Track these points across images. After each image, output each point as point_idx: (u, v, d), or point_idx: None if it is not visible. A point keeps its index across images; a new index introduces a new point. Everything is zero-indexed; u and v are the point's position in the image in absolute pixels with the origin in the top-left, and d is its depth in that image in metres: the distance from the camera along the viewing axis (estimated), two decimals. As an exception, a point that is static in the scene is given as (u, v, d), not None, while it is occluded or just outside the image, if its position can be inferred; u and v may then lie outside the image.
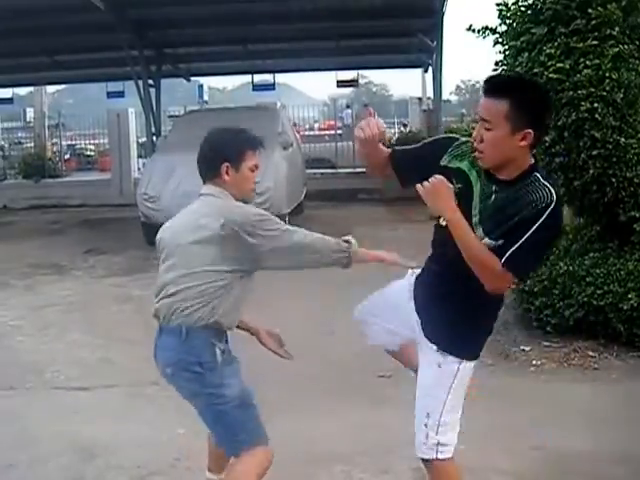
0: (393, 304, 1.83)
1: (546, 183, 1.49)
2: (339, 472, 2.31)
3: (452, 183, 1.54)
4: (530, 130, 1.44)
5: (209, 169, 1.81)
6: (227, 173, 1.78)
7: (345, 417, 2.72)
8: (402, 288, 1.82)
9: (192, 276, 1.69)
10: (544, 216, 1.46)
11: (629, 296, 3.17)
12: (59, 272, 5.75)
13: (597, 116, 3.09)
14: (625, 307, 3.18)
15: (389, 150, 1.73)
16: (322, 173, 10.30)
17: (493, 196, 1.52)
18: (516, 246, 1.47)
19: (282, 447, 2.42)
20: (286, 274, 6.35)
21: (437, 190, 1.50)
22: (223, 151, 1.80)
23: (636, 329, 3.23)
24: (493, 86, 1.48)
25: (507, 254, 1.48)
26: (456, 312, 1.63)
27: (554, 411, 2.73)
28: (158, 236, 1.82)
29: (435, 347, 1.66)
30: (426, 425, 1.66)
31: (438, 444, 1.66)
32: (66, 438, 2.60)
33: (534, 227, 1.46)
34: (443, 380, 1.65)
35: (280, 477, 2.29)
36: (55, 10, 7.41)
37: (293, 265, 1.76)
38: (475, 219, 1.54)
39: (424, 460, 1.71)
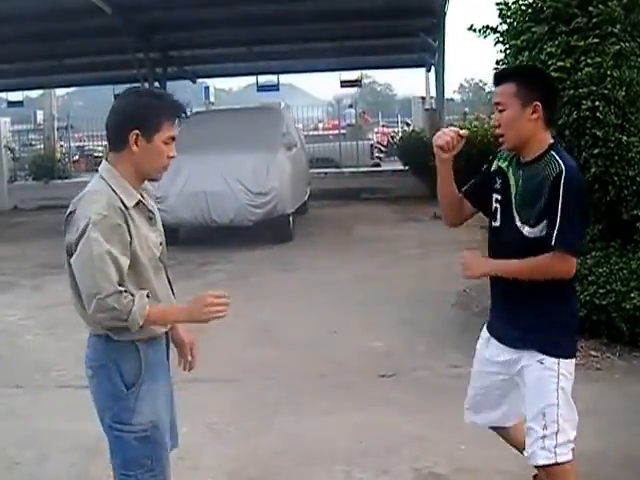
0: (477, 371, 1.87)
1: (556, 156, 1.60)
2: (339, 472, 2.31)
3: (495, 183, 1.71)
4: (538, 102, 1.60)
5: (116, 136, 1.51)
6: (136, 143, 1.48)
7: (346, 417, 2.74)
8: (480, 348, 1.86)
9: None
10: (561, 187, 1.55)
11: (632, 295, 3.15)
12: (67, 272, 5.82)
13: (598, 114, 3.08)
14: (628, 306, 3.15)
15: (460, 193, 1.81)
16: (326, 173, 10.32)
17: (521, 180, 1.65)
18: (557, 228, 1.56)
19: (282, 446, 2.45)
20: (288, 273, 6.34)
21: (469, 264, 1.68)
22: (134, 116, 1.48)
23: (639, 329, 3.21)
24: (500, 75, 1.68)
25: (554, 240, 1.57)
26: (534, 308, 1.66)
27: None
28: None
29: (534, 351, 1.67)
30: (545, 428, 1.65)
31: (556, 446, 1.66)
32: (72, 436, 2.63)
33: (560, 202, 1.55)
34: (549, 381, 1.66)
35: (280, 476, 2.32)
36: (63, 15, 7.49)
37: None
38: (514, 208, 1.65)
39: (542, 467, 1.69)
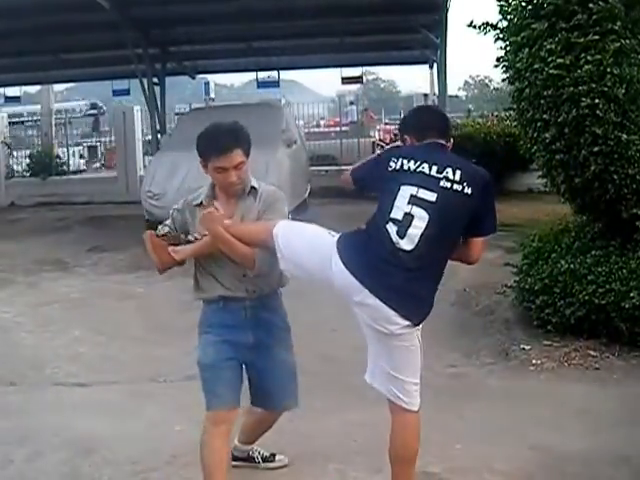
0: None
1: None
2: (333, 470, 2.31)
3: None
4: (406, 136, 2.08)
5: None
6: (205, 167, 1.98)
7: (341, 415, 2.72)
8: None
9: None
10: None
11: (631, 295, 3.13)
12: (63, 269, 5.80)
13: (598, 112, 3.05)
14: (627, 306, 3.14)
15: None
16: (327, 170, 10.28)
17: None
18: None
19: (277, 444, 2.44)
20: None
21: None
22: (198, 148, 1.97)
23: (638, 328, 3.19)
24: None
25: None
26: None
27: (553, 411, 2.70)
28: None
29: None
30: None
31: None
32: (64, 433, 2.62)
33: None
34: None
35: (274, 474, 2.31)
36: (61, 10, 7.46)
37: None
38: None
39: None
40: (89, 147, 14.25)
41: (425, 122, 2.05)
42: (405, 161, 1.90)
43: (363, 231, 1.90)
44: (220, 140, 1.93)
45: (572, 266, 3.38)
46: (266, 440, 2.38)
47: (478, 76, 39.70)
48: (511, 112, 3.92)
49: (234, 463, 2.30)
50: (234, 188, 1.97)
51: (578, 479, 2.21)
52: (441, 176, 1.85)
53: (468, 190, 1.84)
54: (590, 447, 2.37)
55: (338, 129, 12.86)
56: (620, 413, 2.67)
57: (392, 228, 1.82)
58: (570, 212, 4.00)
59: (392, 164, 1.91)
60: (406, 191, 1.84)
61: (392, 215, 1.83)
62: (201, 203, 2.00)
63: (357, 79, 11.50)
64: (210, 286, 2.00)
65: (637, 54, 3.10)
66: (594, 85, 3.03)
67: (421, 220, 1.81)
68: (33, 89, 15.43)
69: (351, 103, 15.19)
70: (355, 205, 8.78)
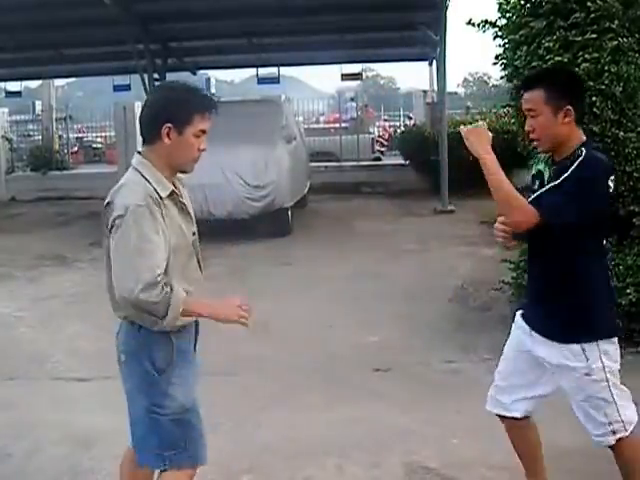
0: (517, 369, 1.88)
1: (583, 149, 1.66)
2: (331, 465, 2.32)
3: (534, 185, 1.76)
4: (569, 107, 1.66)
5: (148, 130, 1.58)
6: (168, 136, 1.55)
7: (339, 410, 2.74)
8: (516, 337, 1.88)
9: None
10: (573, 167, 1.62)
11: (628, 291, 3.15)
12: (63, 264, 5.82)
13: (596, 110, 3.07)
14: (624, 302, 3.15)
15: None
16: (326, 166, 10.29)
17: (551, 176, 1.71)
18: (543, 190, 1.66)
19: (276, 439, 2.46)
20: (286, 267, 6.31)
21: (477, 132, 1.68)
22: (166, 110, 1.55)
23: (635, 324, 3.21)
24: (527, 81, 1.77)
25: (534, 194, 1.68)
26: (559, 293, 1.71)
27: (551, 406, 2.72)
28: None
29: (575, 347, 1.69)
30: (610, 424, 1.75)
31: (623, 422, 1.76)
32: (64, 428, 2.64)
33: (563, 176, 1.61)
34: (600, 383, 1.71)
35: (273, 469, 2.33)
36: (62, 5, 7.45)
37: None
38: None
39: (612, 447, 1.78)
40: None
41: None
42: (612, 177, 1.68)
43: None
44: (208, 98, 1.60)
45: (569, 263, 3.40)
46: (265, 437, 2.41)
47: (477, 73, 39.70)
48: (509, 109, 3.93)
49: None
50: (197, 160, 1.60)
51: (577, 474, 2.23)
52: None
53: None
54: (588, 442, 2.38)
55: (338, 125, 12.90)
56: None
57: None
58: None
59: (611, 184, 1.66)
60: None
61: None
62: (172, 193, 1.57)
63: (357, 76, 11.49)
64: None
65: (634, 52, 3.12)
66: (592, 83, 3.04)
67: None
68: (33, 84, 15.41)
69: (351, 99, 15.16)
70: (352, 201, 8.84)
